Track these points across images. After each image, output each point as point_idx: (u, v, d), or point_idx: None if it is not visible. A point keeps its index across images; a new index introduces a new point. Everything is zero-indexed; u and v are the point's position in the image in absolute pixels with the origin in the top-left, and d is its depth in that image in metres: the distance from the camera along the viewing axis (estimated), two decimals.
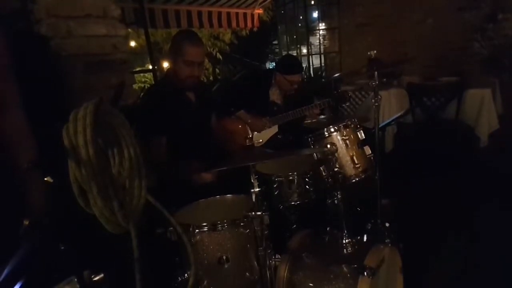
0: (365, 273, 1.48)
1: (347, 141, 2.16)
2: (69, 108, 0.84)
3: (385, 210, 2.37)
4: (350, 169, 2.17)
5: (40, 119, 1.44)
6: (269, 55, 12.27)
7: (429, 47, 5.52)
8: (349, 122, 2.20)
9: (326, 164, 2.06)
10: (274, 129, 3.01)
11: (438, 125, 3.99)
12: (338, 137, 2.16)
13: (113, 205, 0.86)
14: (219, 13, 5.22)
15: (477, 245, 2.56)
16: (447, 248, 2.55)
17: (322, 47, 7.83)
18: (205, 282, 1.60)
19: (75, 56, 2.40)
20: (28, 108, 1.42)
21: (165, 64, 7.71)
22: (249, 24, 5.84)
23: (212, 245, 1.59)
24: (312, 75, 7.65)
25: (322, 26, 7.76)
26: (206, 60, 3.56)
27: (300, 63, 3.38)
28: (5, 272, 1.05)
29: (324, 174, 2.06)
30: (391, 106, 4.24)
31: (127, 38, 2.92)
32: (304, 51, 8.16)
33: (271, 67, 3.73)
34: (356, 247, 1.74)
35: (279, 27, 9.19)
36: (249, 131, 2.93)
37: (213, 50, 7.07)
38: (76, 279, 1.02)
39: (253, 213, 1.51)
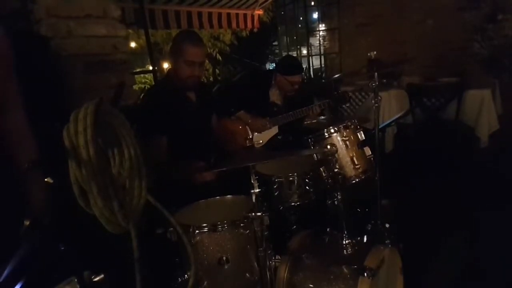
0: (365, 274, 1.48)
1: (347, 142, 2.16)
2: (69, 108, 0.84)
3: (385, 211, 2.37)
4: (350, 170, 2.17)
5: (40, 119, 1.44)
6: (269, 56, 12.28)
7: (429, 47, 5.52)
8: (349, 123, 2.20)
9: (326, 165, 2.07)
10: (274, 129, 3.01)
11: (438, 125, 4.00)
12: (338, 138, 2.16)
13: (113, 205, 0.86)
14: (219, 14, 5.22)
15: (477, 246, 2.56)
16: (447, 248, 2.54)
17: (322, 48, 7.83)
18: (205, 283, 1.60)
19: (75, 56, 2.40)
20: (28, 108, 1.42)
21: (165, 65, 7.72)
22: (249, 25, 5.85)
23: (212, 245, 1.59)
24: (312, 76, 7.65)
25: (322, 27, 7.76)
26: (206, 61, 3.54)
27: (300, 64, 3.38)
28: (5, 272, 1.05)
29: (324, 175, 2.06)
30: (391, 107, 4.24)
31: (127, 39, 2.92)
32: (304, 52, 8.16)
33: (271, 68, 3.74)
34: (356, 248, 1.74)
35: (279, 28, 9.19)
36: (249, 132, 2.93)
37: (213, 51, 7.08)
38: (76, 280, 1.02)
39: (253, 214, 1.51)
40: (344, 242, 1.75)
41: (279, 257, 1.70)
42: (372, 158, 2.27)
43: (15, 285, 1.04)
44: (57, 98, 2.10)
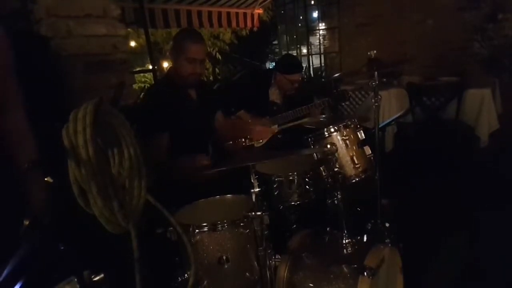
0: (365, 273, 1.48)
1: (347, 141, 2.16)
2: (69, 108, 0.84)
3: (385, 210, 2.37)
4: (350, 169, 2.17)
5: (40, 119, 1.44)
6: (269, 55, 12.27)
7: (429, 47, 5.52)
8: (349, 122, 2.20)
9: (326, 164, 2.06)
10: (274, 129, 3.01)
11: (438, 125, 3.99)
12: (338, 137, 2.16)
13: (113, 205, 0.86)
14: (219, 13, 5.22)
15: (477, 246, 2.57)
16: (447, 248, 2.54)
17: (322, 47, 7.83)
18: (205, 282, 1.60)
19: (75, 56, 2.40)
20: (28, 108, 1.42)
21: (165, 64, 7.71)
22: (249, 24, 5.85)
23: (212, 245, 1.59)
24: (312, 75, 7.65)
25: (322, 26, 7.76)
26: (206, 60, 3.53)
27: (300, 63, 3.38)
28: (5, 272, 1.05)
29: (324, 174, 2.06)
30: (391, 106, 4.24)
31: (127, 38, 2.93)
32: (304, 51, 8.17)
33: (271, 67, 3.74)
34: (356, 247, 1.74)
35: (279, 27, 9.19)
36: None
37: (213, 50, 7.07)
38: (76, 279, 1.02)
39: (253, 213, 1.51)
40: (344, 242, 1.75)
41: (279, 257, 1.70)
42: (372, 158, 2.26)
43: (15, 285, 1.05)
44: (57, 98, 2.10)
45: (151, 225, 1.56)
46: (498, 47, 5.10)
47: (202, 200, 1.91)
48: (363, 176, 2.19)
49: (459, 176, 3.52)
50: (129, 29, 4.17)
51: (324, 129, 2.18)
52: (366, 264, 1.51)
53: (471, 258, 2.43)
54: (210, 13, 5.07)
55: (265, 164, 2.19)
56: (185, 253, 1.58)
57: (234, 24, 5.55)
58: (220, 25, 5.33)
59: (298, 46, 8.40)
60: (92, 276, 1.04)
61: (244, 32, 6.87)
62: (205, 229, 1.58)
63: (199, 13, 4.93)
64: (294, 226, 2.13)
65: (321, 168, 2.06)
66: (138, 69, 6.33)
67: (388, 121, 3.67)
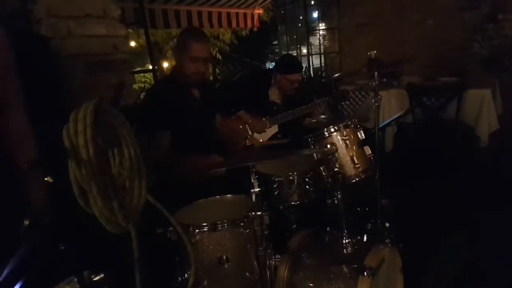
0: (365, 273, 1.48)
1: (347, 141, 2.16)
2: (69, 108, 0.84)
3: (385, 210, 2.37)
4: (350, 169, 2.17)
5: (40, 119, 1.44)
6: (269, 55, 12.27)
7: (429, 47, 5.51)
8: (349, 122, 2.21)
9: (326, 164, 2.06)
10: (274, 129, 3.01)
11: (438, 125, 3.99)
12: (338, 137, 2.16)
13: (113, 205, 0.86)
14: (219, 13, 5.22)
15: (477, 245, 2.57)
16: (447, 248, 2.54)
17: (322, 47, 7.83)
18: (205, 282, 1.60)
19: (75, 56, 2.40)
20: (28, 108, 1.42)
21: (165, 64, 7.72)
22: (249, 24, 5.85)
23: (212, 245, 1.59)
24: (312, 75, 7.65)
25: (322, 26, 7.76)
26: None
27: (300, 63, 3.38)
28: (5, 272, 1.05)
29: (324, 174, 2.06)
30: (391, 106, 4.24)
31: (127, 38, 2.92)
32: (304, 51, 8.17)
33: (271, 67, 3.74)
34: (356, 247, 1.74)
35: (279, 27, 9.19)
36: (250, 131, 2.93)
37: (213, 50, 7.07)
38: (76, 279, 1.02)
39: (253, 213, 1.51)
40: (344, 242, 1.75)
41: (279, 257, 1.70)
42: (372, 158, 2.27)
43: (15, 285, 1.05)
44: (57, 98, 2.10)
45: (151, 225, 1.56)
46: (498, 47, 5.10)
47: (202, 200, 1.91)
48: (363, 176, 2.19)
49: (459, 176, 3.52)
50: (129, 29, 4.17)
51: (324, 129, 2.18)
52: (366, 264, 1.51)
53: (471, 258, 2.43)
54: (210, 13, 5.08)
55: (265, 164, 2.19)
56: (185, 253, 1.58)
57: (234, 24, 5.55)
58: (220, 26, 5.33)
59: (298, 46, 8.40)
60: (92, 276, 1.04)
61: (244, 33, 6.87)
62: (205, 229, 1.58)
63: (199, 13, 4.93)
64: (294, 226, 2.13)
65: (321, 168, 2.06)
66: (138, 69, 6.34)
67: (388, 121, 3.67)
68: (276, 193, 2.04)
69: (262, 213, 1.50)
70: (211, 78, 6.44)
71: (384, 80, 4.28)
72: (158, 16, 4.46)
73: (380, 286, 1.60)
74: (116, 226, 0.87)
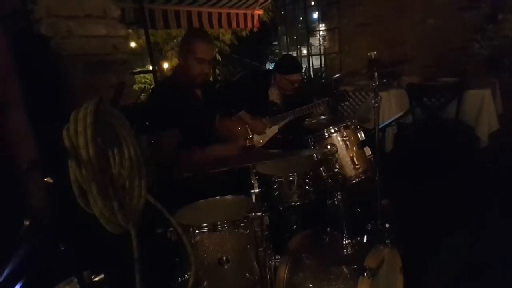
0: (365, 274, 1.48)
1: (347, 142, 2.16)
2: (69, 108, 0.84)
3: (385, 211, 2.37)
4: (350, 170, 2.17)
5: (40, 119, 1.44)
6: (269, 56, 12.28)
7: (429, 47, 5.52)
8: (349, 123, 2.21)
9: (326, 165, 2.07)
10: (274, 129, 3.01)
11: (438, 125, 3.99)
12: (338, 138, 2.16)
13: (113, 205, 0.86)
14: (219, 14, 5.22)
15: (477, 245, 2.57)
16: (447, 248, 2.54)
17: (322, 47, 7.83)
18: (205, 283, 1.60)
19: (75, 56, 2.40)
20: (28, 108, 1.42)
21: (165, 65, 7.72)
22: (249, 25, 5.85)
23: (212, 245, 1.59)
24: (312, 76, 7.65)
25: (322, 27, 7.76)
26: None
27: (299, 63, 3.38)
28: (5, 272, 1.05)
29: (324, 174, 2.06)
30: (391, 106, 4.24)
31: (127, 39, 2.93)
32: (304, 52, 8.16)
33: (271, 68, 3.74)
34: (356, 248, 1.74)
35: (279, 28, 9.19)
36: (250, 132, 2.93)
37: None
38: (76, 280, 1.02)
39: (253, 213, 1.51)
40: (344, 242, 1.75)
41: (279, 257, 1.70)
42: (372, 158, 2.27)
43: (15, 285, 1.05)
44: (57, 98, 2.10)
45: (151, 225, 1.56)
46: (498, 47, 5.10)
47: (202, 200, 1.91)
48: (363, 177, 2.19)
49: (459, 176, 3.52)
50: (129, 30, 4.17)
51: (324, 130, 2.18)
52: (366, 264, 1.51)
53: (471, 258, 2.43)
54: (210, 14, 5.08)
55: (265, 164, 2.19)
56: (185, 254, 1.58)
57: (234, 25, 5.55)
58: (220, 26, 5.33)
59: (298, 47, 8.40)
60: (92, 276, 1.04)
61: (244, 33, 6.88)
62: (205, 229, 1.58)
63: (199, 14, 4.93)
64: (294, 226, 2.13)
65: (321, 168, 2.06)
66: (138, 69, 6.34)
67: (388, 121, 3.67)
68: (276, 193, 2.04)
69: (262, 214, 1.50)
70: (211, 78, 6.45)
71: (384, 80, 4.28)
72: (158, 16, 4.46)
73: (380, 287, 1.60)
74: (116, 226, 0.87)
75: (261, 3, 5.72)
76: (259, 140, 2.93)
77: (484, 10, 5.15)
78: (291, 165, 2.19)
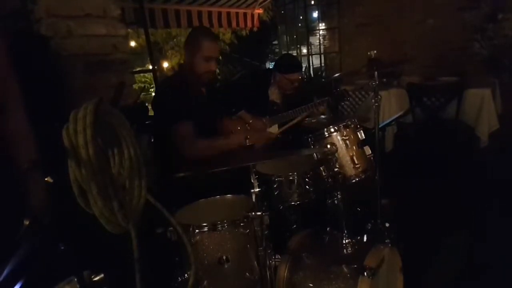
0: (365, 273, 1.48)
1: (347, 141, 2.16)
2: (69, 108, 0.84)
3: (385, 210, 2.37)
4: (350, 169, 2.17)
5: (40, 119, 1.44)
6: (269, 55, 12.27)
7: (429, 47, 5.51)
8: (349, 122, 2.20)
9: (326, 164, 2.06)
10: (274, 129, 3.01)
11: (438, 125, 3.99)
12: (338, 137, 2.16)
13: (113, 205, 0.86)
14: (219, 13, 5.22)
15: (477, 245, 2.57)
16: (447, 248, 2.55)
17: (322, 47, 7.84)
18: (205, 282, 1.60)
19: (75, 56, 2.40)
20: (28, 108, 1.42)
21: (165, 64, 7.72)
22: (249, 24, 5.85)
23: (212, 245, 1.59)
24: (312, 75, 7.65)
25: (322, 26, 7.76)
26: None
27: (299, 62, 3.37)
28: (5, 272, 1.05)
29: (324, 174, 2.06)
30: (391, 106, 4.24)
31: (127, 38, 2.92)
32: (304, 51, 8.17)
33: (271, 67, 3.74)
34: (356, 247, 1.74)
35: (279, 27, 9.20)
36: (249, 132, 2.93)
37: None
38: (76, 279, 1.02)
39: (253, 213, 1.51)
40: (344, 242, 1.75)
41: (279, 257, 1.70)
42: (372, 158, 2.27)
43: (15, 285, 1.05)
44: (57, 98, 2.10)
45: (151, 225, 1.56)
46: (498, 47, 5.10)
47: (202, 200, 1.91)
48: (363, 176, 2.19)
49: (459, 176, 3.52)
50: (129, 29, 4.16)
51: (324, 129, 2.18)
52: (366, 264, 1.51)
53: (471, 258, 2.43)
54: (210, 13, 5.07)
55: (265, 164, 2.19)
56: (185, 253, 1.58)
57: (234, 24, 5.55)
58: (220, 25, 5.33)
59: (298, 46, 8.41)
60: (92, 276, 1.04)
61: (244, 32, 6.88)
62: (205, 229, 1.58)
63: (199, 13, 4.92)
64: (294, 226, 2.13)
65: (321, 168, 2.06)
66: (138, 69, 6.34)
67: (388, 121, 3.67)
68: (276, 193, 2.04)
69: (262, 213, 1.50)
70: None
71: (384, 80, 4.28)
72: (158, 16, 4.45)
73: (380, 286, 1.60)
74: (116, 226, 0.87)
75: (261, 2, 5.72)
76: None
77: (484, 10, 5.15)
78: (291, 164, 2.19)
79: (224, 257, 1.59)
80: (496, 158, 3.86)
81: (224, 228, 1.59)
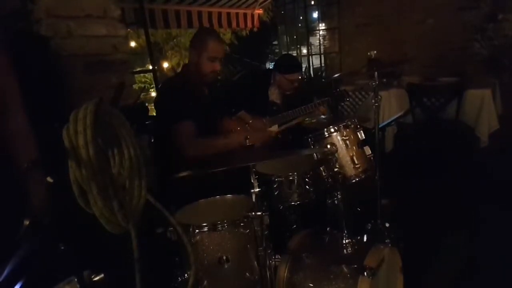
0: (365, 273, 1.48)
1: (347, 141, 2.16)
2: (69, 108, 0.84)
3: (385, 210, 2.37)
4: (350, 169, 2.17)
5: (40, 119, 1.44)
6: (269, 55, 12.26)
7: (429, 47, 5.51)
8: (349, 122, 2.20)
9: (326, 164, 2.07)
10: (274, 129, 3.01)
11: (438, 125, 3.99)
12: (338, 137, 2.16)
13: (113, 205, 0.86)
14: (219, 14, 5.22)
15: (477, 245, 2.57)
16: (447, 248, 2.55)
17: (322, 47, 7.83)
18: (205, 282, 1.60)
19: (75, 56, 2.40)
20: (28, 108, 1.42)
21: (165, 64, 7.71)
22: (249, 24, 5.84)
23: (212, 245, 1.59)
24: (312, 76, 7.65)
25: (322, 26, 7.76)
26: None
27: (299, 62, 3.37)
28: (5, 272, 1.05)
29: (324, 174, 2.06)
30: (391, 106, 4.24)
31: (127, 38, 2.92)
32: (304, 51, 8.16)
33: (271, 67, 3.73)
34: (356, 247, 1.74)
35: (279, 28, 9.19)
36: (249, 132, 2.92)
37: None
38: (76, 279, 1.02)
39: (253, 213, 1.51)
40: (344, 242, 1.75)
41: (279, 257, 1.70)
42: (372, 158, 2.27)
43: (15, 285, 1.05)
44: (57, 98, 2.10)
45: (151, 225, 1.56)
46: (498, 47, 5.10)
47: (202, 200, 1.91)
48: (363, 176, 2.19)
49: (459, 176, 3.52)
50: (129, 29, 4.17)
51: (324, 129, 2.18)
52: (366, 264, 1.51)
53: (471, 257, 2.43)
54: (210, 13, 5.07)
55: (265, 164, 2.19)
56: (185, 253, 1.58)
57: (234, 24, 5.55)
58: (220, 26, 5.33)
59: (298, 46, 8.40)
60: (92, 276, 1.04)
61: (244, 33, 6.86)
62: (205, 229, 1.58)
63: (199, 14, 4.92)
64: (294, 226, 2.13)
65: (321, 168, 2.06)
66: (138, 69, 6.33)
67: (388, 121, 3.67)
68: (276, 193, 2.04)
69: (262, 213, 1.50)
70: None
71: (384, 80, 4.28)
72: (158, 16, 4.45)
73: (380, 286, 1.60)
74: (116, 226, 0.87)
75: (261, 3, 5.72)
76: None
77: (484, 10, 5.15)
78: (291, 164, 2.19)
79: (224, 257, 1.59)
80: (496, 158, 3.86)
81: (224, 228, 1.59)
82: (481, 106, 3.91)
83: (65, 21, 2.35)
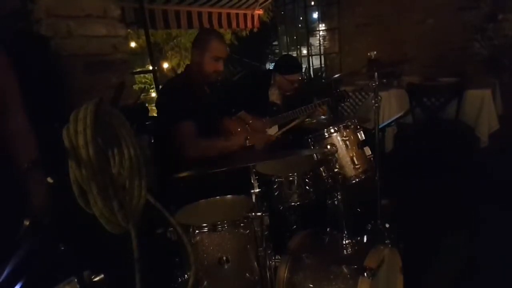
0: (365, 273, 1.48)
1: (347, 142, 2.16)
2: (69, 108, 0.84)
3: (385, 211, 2.37)
4: (350, 170, 2.17)
5: (40, 119, 1.44)
6: (269, 55, 12.26)
7: (429, 47, 5.51)
8: (349, 123, 2.20)
9: (326, 165, 2.07)
10: (274, 129, 3.01)
11: (438, 125, 3.99)
12: (338, 138, 2.16)
13: (113, 205, 0.86)
14: (219, 14, 5.22)
15: (477, 245, 2.57)
16: (447, 248, 2.55)
17: (322, 47, 7.83)
18: (205, 283, 1.60)
19: (75, 56, 2.40)
20: (28, 108, 1.42)
21: (165, 65, 7.71)
22: (249, 25, 5.85)
23: (212, 245, 1.59)
24: (312, 76, 7.64)
25: (322, 27, 7.76)
26: None
27: (299, 62, 3.37)
28: (5, 272, 1.05)
29: (324, 174, 2.06)
30: (391, 106, 4.24)
31: (127, 39, 2.92)
32: (304, 52, 8.16)
33: (271, 68, 3.72)
34: (356, 247, 1.74)
35: (279, 28, 9.19)
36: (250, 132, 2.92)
37: None
38: (76, 280, 1.02)
39: (253, 213, 1.51)
40: (344, 242, 1.75)
41: (279, 257, 1.70)
42: (372, 158, 2.27)
43: (15, 285, 1.05)
44: (57, 98, 2.10)
45: (151, 225, 1.56)
46: (498, 47, 5.10)
47: (202, 200, 1.91)
48: (363, 177, 2.19)
49: (459, 176, 3.52)
50: (129, 30, 4.16)
51: (324, 130, 2.18)
52: (366, 264, 1.51)
53: (471, 258, 2.43)
54: (210, 14, 5.07)
55: (265, 164, 2.19)
56: (185, 254, 1.58)
57: (234, 25, 5.55)
58: (220, 26, 5.33)
59: (298, 47, 8.39)
60: (92, 276, 1.04)
61: (244, 33, 6.87)
62: (205, 229, 1.58)
63: (199, 14, 4.92)
64: (294, 226, 2.13)
65: (321, 168, 2.06)
66: (138, 69, 6.33)
67: (388, 121, 3.67)
68: (276, 193, 2.04)
69: (262, 214, 1.50)
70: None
71: (384, 80, 4.28)
72: (158, 16, 4.45)
73: (380, 287, 1.60)
74: (116, 226, 0.87)
75: (261, 3, 5.72)
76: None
77: (484, 10, 5.15)
78: (291, 165, 2.19)
79: (224, 258, 1.59)
80: (496, 158, 3.86)
81: (224, 229, 1.59)
82: (481, 106, 3.91)
83: (65, 21, 2.35)
